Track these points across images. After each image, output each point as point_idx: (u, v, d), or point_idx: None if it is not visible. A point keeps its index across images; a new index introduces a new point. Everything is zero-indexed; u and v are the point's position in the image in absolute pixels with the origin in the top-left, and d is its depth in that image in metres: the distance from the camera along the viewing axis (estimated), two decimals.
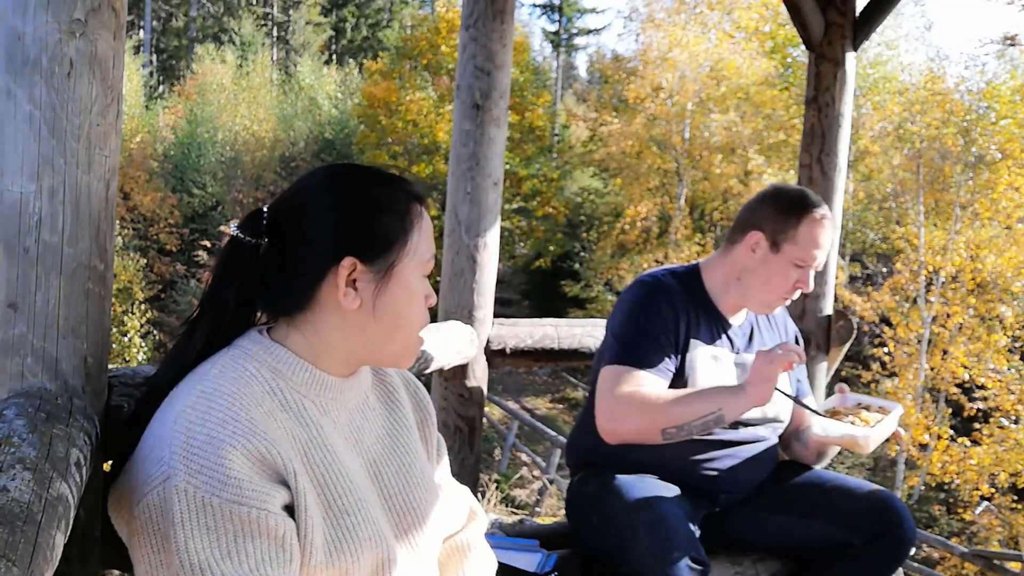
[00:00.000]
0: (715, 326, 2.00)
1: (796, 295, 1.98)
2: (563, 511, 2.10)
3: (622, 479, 1.89)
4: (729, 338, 2.02)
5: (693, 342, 1.95)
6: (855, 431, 1.84)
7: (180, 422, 1.00)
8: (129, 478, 1.02)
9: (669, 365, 1.90)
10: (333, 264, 1.09)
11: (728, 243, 2.03)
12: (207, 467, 0.96)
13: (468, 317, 2.80)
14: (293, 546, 1.00)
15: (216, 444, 0.97)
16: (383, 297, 1.11)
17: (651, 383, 1.87)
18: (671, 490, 1.88)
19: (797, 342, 2.15)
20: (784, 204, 1.93)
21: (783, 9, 3.74)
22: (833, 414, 1.93)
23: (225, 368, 1.08)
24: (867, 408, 1.95)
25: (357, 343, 1.13)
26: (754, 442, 2.00)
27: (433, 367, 2.40)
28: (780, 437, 2.13)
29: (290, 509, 1.02)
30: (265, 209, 1.14)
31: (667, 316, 1.92)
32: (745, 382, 1.79)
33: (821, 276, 3.17)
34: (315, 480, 1.06)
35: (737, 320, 2.05)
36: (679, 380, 1.93)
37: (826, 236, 1.93)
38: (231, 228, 1.15)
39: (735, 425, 1.96)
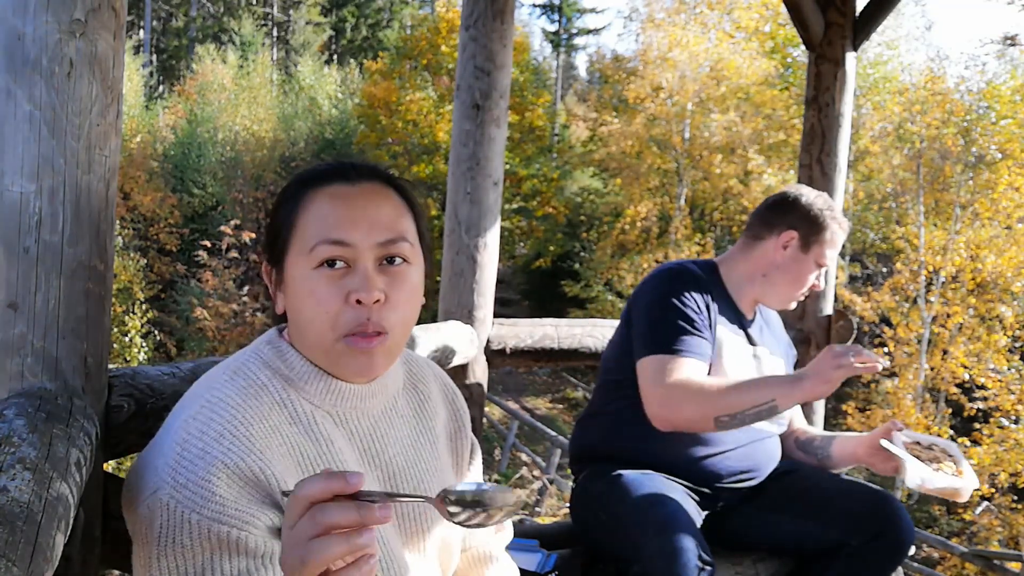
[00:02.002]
0: (734, 318, 2.05)
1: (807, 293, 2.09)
2: (563, 511, 2.11)
3: (629, 477, 1.90)
4: (746, 332, 2.08)
5: (720, 328, 2.00)
6: (957, 483, 1.78)
7: (179, 432, 0.97)
8: (133, 483, 1.00)
9: (708, 349, 1.93)
10: (263, 270, 1.11)
11: (751, 239, 2.07)
12: (192, 482, 0.93)
13: (468, 317, 2.80)
14: (276, 566, 0.94)
15: (208, 460, 0.94)
16: (283, 297, 1.07)
17: (696, 369, 1.88)
18: (677, 488, 1.89)
19: (790, 340, 2.26)
20: (816, 208, 2.04)
21: (783, 9, 3.74)
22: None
23: (237, 375, 1.04)
24: (928, 446, 1.88)
25: (307, 349, 1.07)
26: (759, 439, 2.01)
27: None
28: (781, 440, 2.14)
29: (280, 532, 0.96)
30: None
31: (698, 298, 1.95)
32: (803, 374, 1.78)
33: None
34: None
35: (749, 315, 2.11)
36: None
37: (842, 240, 2.06)
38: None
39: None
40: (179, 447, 0.96)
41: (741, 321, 2.07)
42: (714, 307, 1.99)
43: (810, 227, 2.02)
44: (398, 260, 1.04)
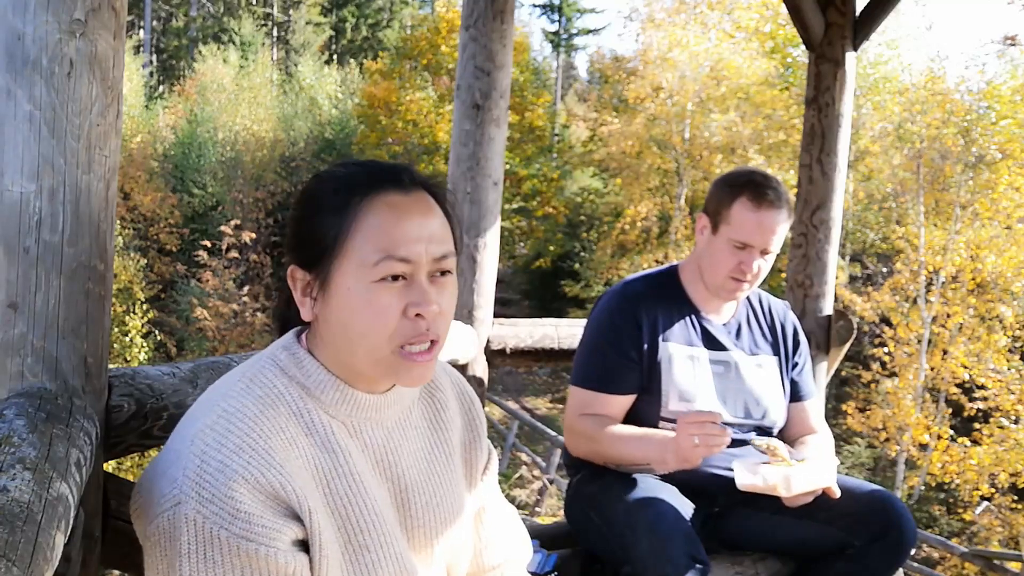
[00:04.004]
0: (692, 326, 2.00)
1: (755, 280, 1.94)
2: (563, 511, 2.10)
3: (621, 479, 1.90)
4: (709, 336, 2.01)
5: (664, 344, 1.96)
6: (777, 477, 1.74)
7: (197, 443, 0.96)
8: (147, 491, 0.99)
9: (633, 377, 1.95)
10: (288, 273, 1.07)
11: None
12: (217, 497, 0.93)
13: (468, 317, 2.80)
14: None
15: (228, 474, 0.94)
16: (325, 307, 1.03)
17: (613, 406, 1.95)
18: (670, 490, 1.89)
19: (796, 339, 2.13)
20: (723, 184, 1.96)
21: (783, 9, 3.74)
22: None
23: (253, 383, 1.03)
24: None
25: (342, 358, 1.05)
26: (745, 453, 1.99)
27: None
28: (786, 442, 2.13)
29: (304, 544, 0.98)
30: None
31: (627, 327, 1.95)
32: (669, 449, 1.79)
33: (821, 276, 3.17)
34: (336, 513, 1.02)
35: (721, 317, 2.04)
36: (653, 378, 1.95)
37: (764, 218, 1.89)
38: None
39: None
40: (198, 459, 0.95)
41: (701, 327, 2.00)
42: (654, 323, 1.95)
43: (716, 207, 1.94)
44: (447, 272, 1.05)
